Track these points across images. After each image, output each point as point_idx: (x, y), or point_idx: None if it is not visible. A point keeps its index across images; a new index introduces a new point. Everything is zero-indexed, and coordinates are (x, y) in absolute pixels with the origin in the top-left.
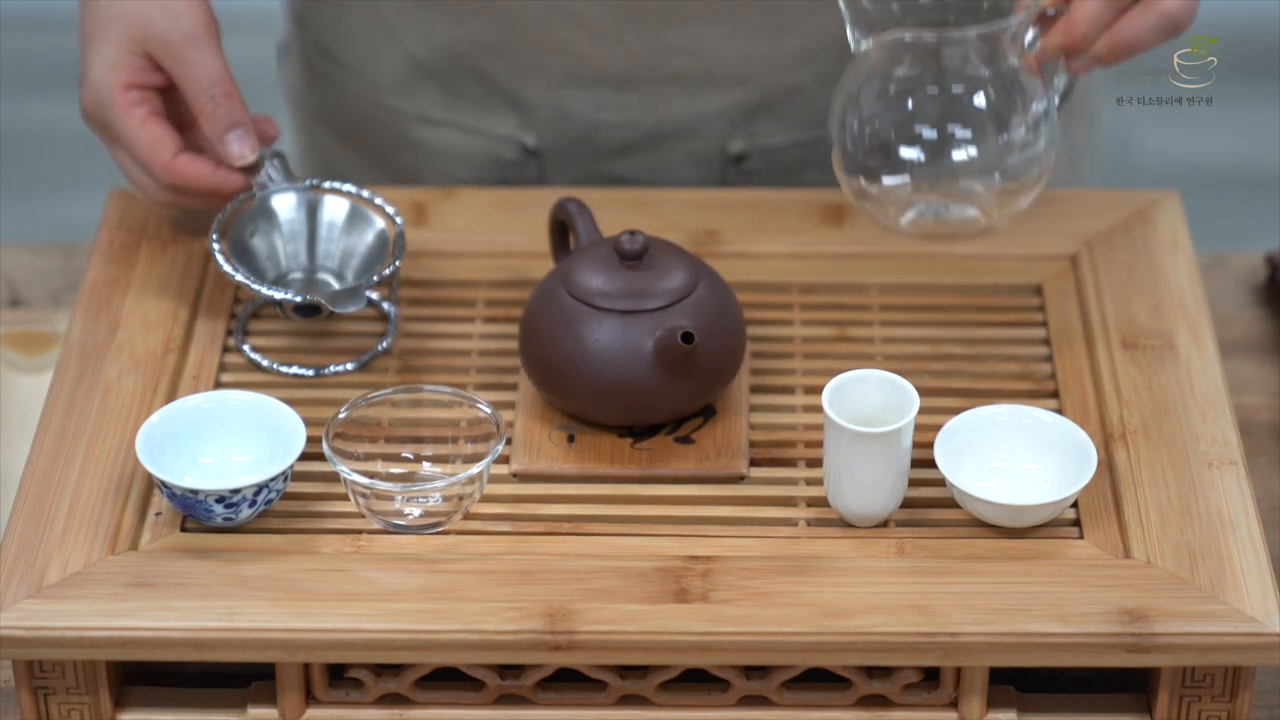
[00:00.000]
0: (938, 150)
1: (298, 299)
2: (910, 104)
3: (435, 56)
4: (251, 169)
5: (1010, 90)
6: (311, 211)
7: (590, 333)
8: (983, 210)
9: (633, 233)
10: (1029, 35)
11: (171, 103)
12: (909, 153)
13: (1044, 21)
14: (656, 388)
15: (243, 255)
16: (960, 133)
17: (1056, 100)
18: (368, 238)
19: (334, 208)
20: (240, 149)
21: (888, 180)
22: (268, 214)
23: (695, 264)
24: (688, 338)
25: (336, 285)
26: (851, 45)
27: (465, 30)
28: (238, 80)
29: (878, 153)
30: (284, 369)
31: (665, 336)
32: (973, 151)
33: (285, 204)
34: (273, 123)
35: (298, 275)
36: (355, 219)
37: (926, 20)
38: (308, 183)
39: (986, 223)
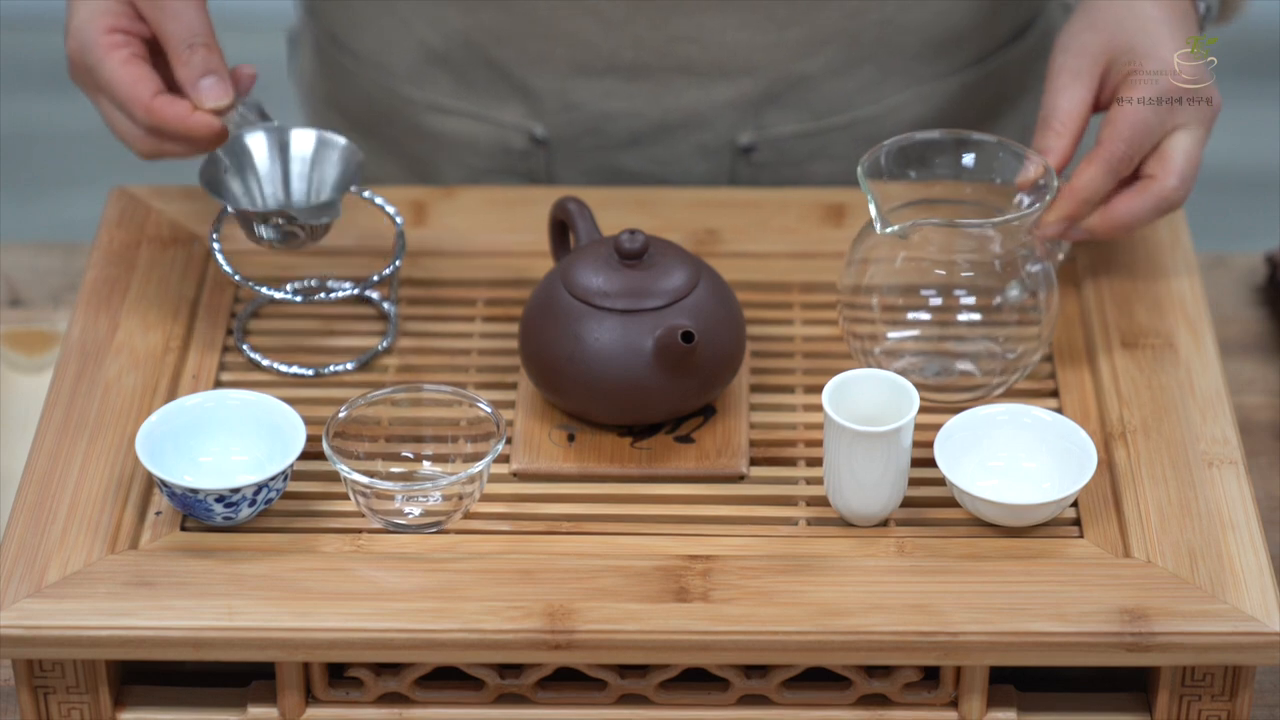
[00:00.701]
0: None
1: (298, 300)
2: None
3: (447, 45)
4: (224, 112)
5: (1015, 267)
6: (282, 149)
7: (590, 332)
8: (982, 371)
9: (632, 232)
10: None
11: (155, 54)
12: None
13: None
14: (656, 387)
15: (220, 192)
16: (966, 314)
17: (1057, 265)
18: (333, 158)
19: (301, 142)
20: (213, 94)
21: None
22: (242, 152)
23: (695, 263)
24: (688, 337)
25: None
26: (876, 229)
27: (477, 19)
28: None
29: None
30: (284, 369)
31: (665, 336)
32: (975, 333)
33: (258, 143)
34: (249, 69)
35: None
36: (322, 148)
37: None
38: (276, 124)
39: (983, 380)
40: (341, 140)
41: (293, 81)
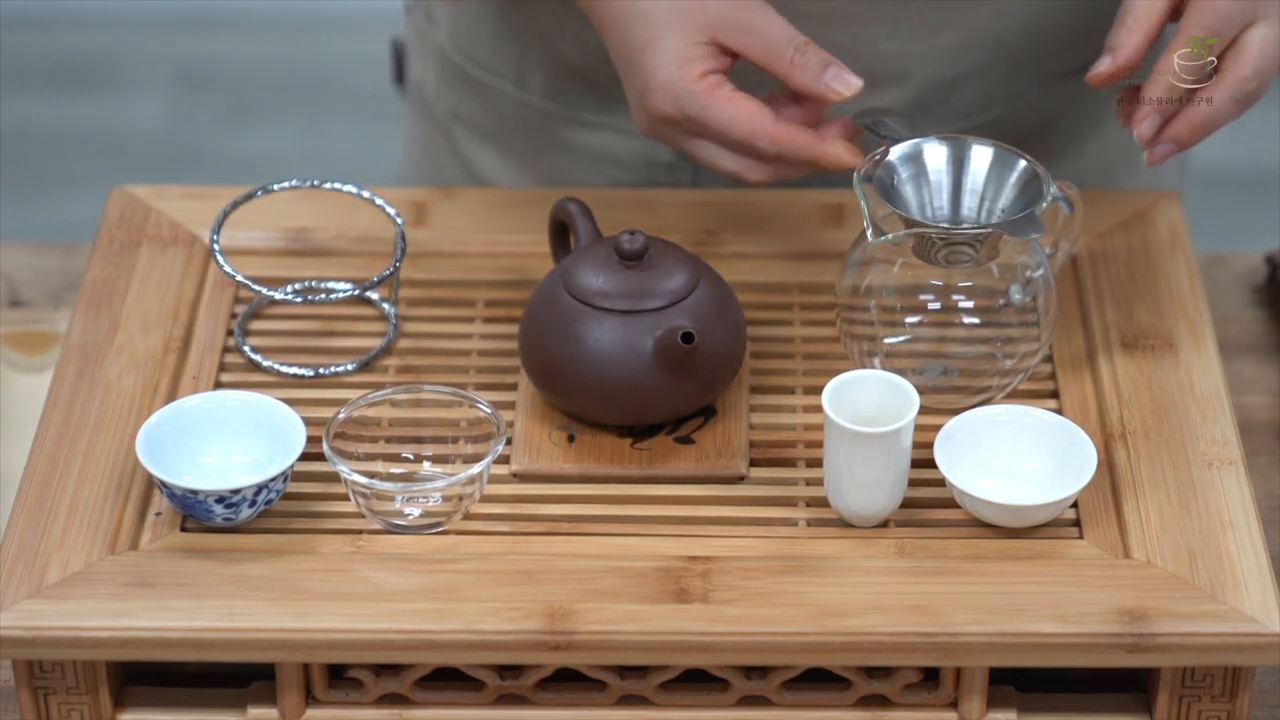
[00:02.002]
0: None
1: (298, 300)
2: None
3: (589, 61)
4: (853, 135)
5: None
6: (958, 162)
7: (590, 333)
8: (981, 375)
9: (632, 233)
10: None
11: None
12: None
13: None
14: (656, 388)
15: (894, 199)
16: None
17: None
18: (1010, 179)
19: (979, 157)
20: (843, 82)
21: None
22: (916, 162)
23: (695, 264)
24: (688, 338)
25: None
26: (869, 237)
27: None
28: (351, 78)
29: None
30: (284, 369)
31: (665, 336)
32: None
33: (933, 154)
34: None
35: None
36: (998, 164)
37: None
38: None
39: (982, 384)
40: (1021, 160)
41: (399, 91)
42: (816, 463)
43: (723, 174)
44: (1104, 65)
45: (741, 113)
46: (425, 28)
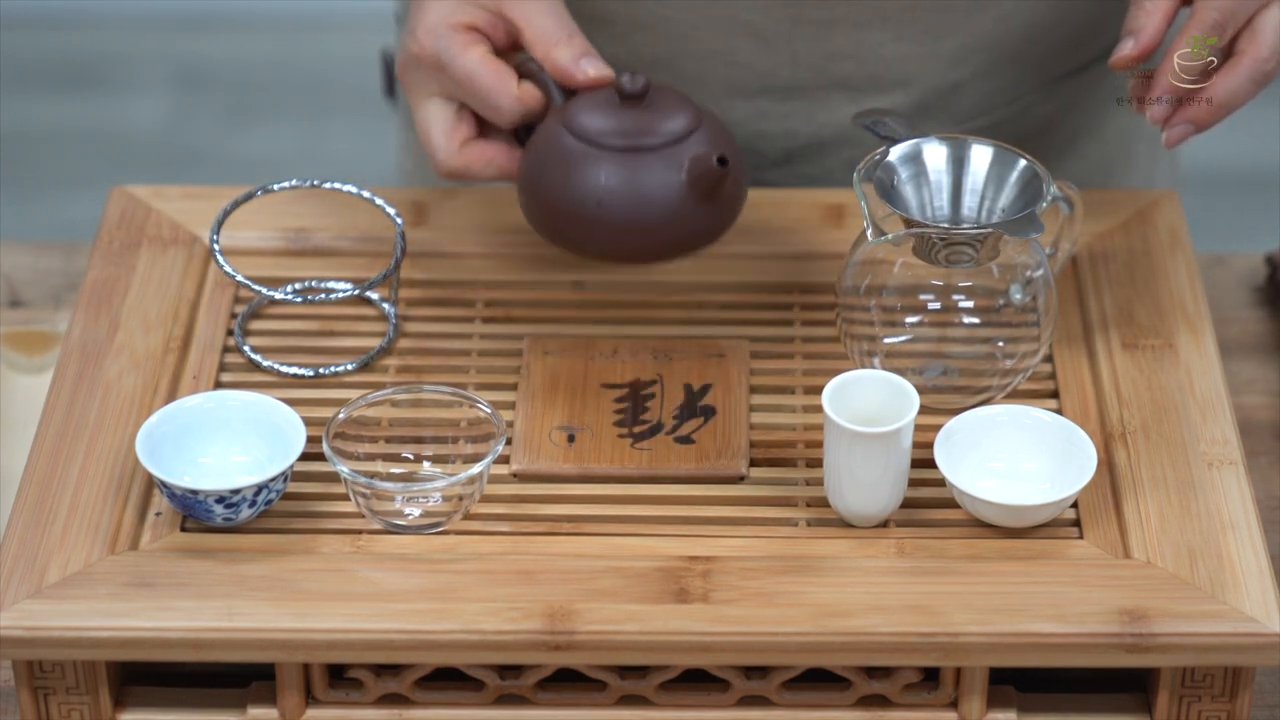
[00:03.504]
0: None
1: (298, 300)
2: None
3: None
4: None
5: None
6: (958, 162)
7: (603, 173)
8: (981, 375)
9: (632, 74)
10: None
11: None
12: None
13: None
14: (689, 214)
15: (894, 199)
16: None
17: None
18: (1010, 179)
19: (979, 157)
20: (597, 67)
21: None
22: (916, 162)
23: (689, 102)
24: (723, 161)
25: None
26: (869, 237)
27: (629, 44)
28: (350, 78)
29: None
30: (284, 369)
31: (702, 159)
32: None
33: (933, 154)
34: None
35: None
36: (998, 164)
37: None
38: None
39: (982, 384)
40: (1021, 160)
41: (390, 103)
42: (816, 463)
43: (424, 145)
44: (1127, 49)
45: (489, 69)
46: None
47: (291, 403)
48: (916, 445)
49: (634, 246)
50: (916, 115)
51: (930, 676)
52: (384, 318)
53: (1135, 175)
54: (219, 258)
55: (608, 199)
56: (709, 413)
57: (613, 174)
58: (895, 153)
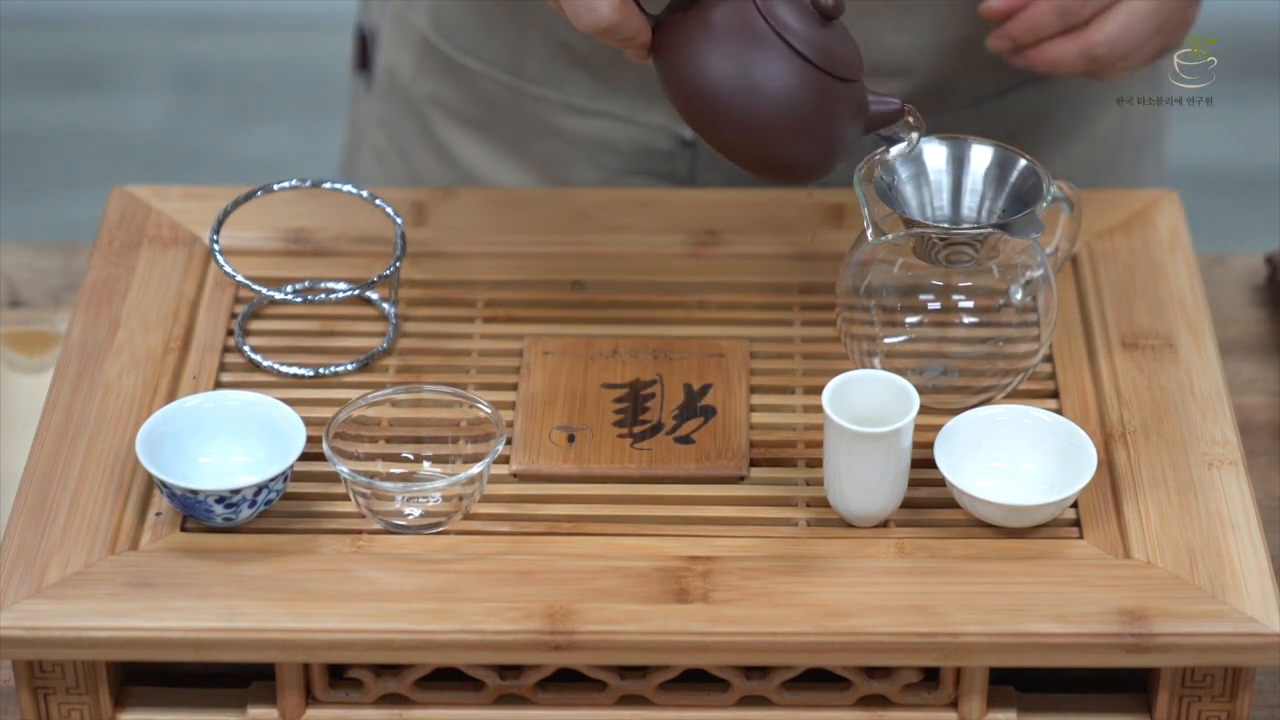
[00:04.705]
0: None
1: (298, 300)
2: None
3: (591, 47)
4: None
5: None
6: (958, 162)
7: (800, 86)
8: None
9: None
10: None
11: None
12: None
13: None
14: (837, 152)
15: (894, 199)
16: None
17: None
18: (1010, 179)
19: (979, 156)
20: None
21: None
22: (916, 162)
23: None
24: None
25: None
26: (869, 237)
27: None
28: (338, 82)
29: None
30: (284, 369)
31: (889, 114)
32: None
33: (933, 155)
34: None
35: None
36: (998, 164)
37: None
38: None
39: (982, 384)
40: (1021, 160)
41: (359, 77)
42: (816, 463)
43: (592, 23)
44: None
45: None
46: (403, 11)
47: (291, 403)
48: (916, 445)
49: (784, 157)
50: (915, 104)
51: (930, 676)
52: (384, 318)
53: (1120, 172)
54: (219, 258)
55: (793, 112)
56: (709, 413)
57: (810, 92)
58: (895, 152)
